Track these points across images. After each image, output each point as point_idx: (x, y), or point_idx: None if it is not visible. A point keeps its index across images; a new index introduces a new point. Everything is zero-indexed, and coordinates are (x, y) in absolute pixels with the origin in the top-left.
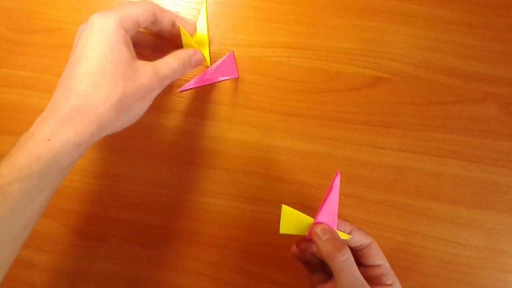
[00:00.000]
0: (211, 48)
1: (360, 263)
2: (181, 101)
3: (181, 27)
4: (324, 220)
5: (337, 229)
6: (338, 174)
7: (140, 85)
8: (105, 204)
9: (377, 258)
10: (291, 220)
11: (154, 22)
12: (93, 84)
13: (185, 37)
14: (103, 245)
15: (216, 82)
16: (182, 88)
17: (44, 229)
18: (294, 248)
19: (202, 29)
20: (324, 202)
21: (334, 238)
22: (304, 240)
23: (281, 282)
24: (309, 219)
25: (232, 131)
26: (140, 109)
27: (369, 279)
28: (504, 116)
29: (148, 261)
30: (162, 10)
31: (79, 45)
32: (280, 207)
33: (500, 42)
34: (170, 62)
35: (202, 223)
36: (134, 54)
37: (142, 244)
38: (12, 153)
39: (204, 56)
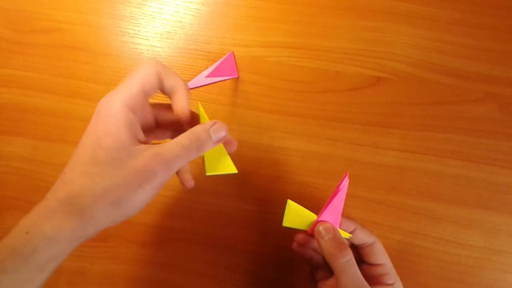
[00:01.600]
0: (211, 49)
1: (363, 261)
2: None
3: (199, 104)
4: (328, 219)
5: (340, 227)
6: (347, 176)
7: (135, 172)
8: None
9: (380, 257)
10: (295, 215)
11: (163, 84)
12: (81, 173)
13: (203, 118)
14: (103, 245)
15: (216, 82)
16: None
17: None
18: (295, 244)
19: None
20: (330, 201)
21: (336, 238)
22: (304, 233)
23: (281, 282)
24: (312, 216)
25: (232, 131)
26: (138, 200)
27: (371, 277)
28: (504, 116)
29: (148, 261)
30: (167, 71)
31: (85, 131)
32: (281, 207)
33: (500, 42)
34: (179, 140)
35: (202, 223)
36: (140, 137)
37: (142, 244)
38: None
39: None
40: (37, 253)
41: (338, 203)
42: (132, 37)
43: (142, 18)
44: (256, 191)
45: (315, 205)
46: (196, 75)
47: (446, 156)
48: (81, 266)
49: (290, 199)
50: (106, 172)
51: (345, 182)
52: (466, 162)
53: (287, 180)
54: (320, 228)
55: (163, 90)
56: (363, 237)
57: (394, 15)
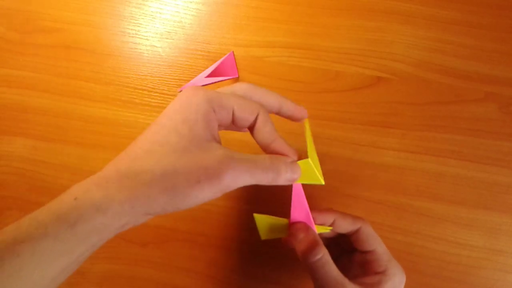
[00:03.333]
0: (211, 49)
1: (356, 249)
2: None
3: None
4: (298, 218)
5: (316, 223)
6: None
7: (199, 167)
8: None
9: (368, 243)
10: (268, 226)
11: (254, 124)
12: (147, 150)
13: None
14: (103, 245)
15: (216, 82)
16: (182, 88)
17: None
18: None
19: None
20: (292, 200)
21: (308, 237)
22: (286, 241)
23: (281, 282)
24: (284, 221)
25: (232, 131)
26: (191, 195)
27: (364, 264)
28: (504, 116)
29: (148, 261)
30: (267, 118)
31: (162, 113)
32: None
33: (500, 42)
34: (259, 159)
35: (202, 223)
36: (216, 136)
37: (142, 244)
38: (45, 206)
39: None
40: (82, 222)
41: (299, 200)
42: (132, 37)
43: (142, 18)
44: (256, 191)
45: (315, 206)
46: (196, 75)
47: (446, 156)
48: (81, 266)
49: (290, 199)
50: (172, 156)
51: None
52: (466, 162)
53: None
54: (293, 230)
55: (257, 135)
56: (345, 225)
57: (394, 15)
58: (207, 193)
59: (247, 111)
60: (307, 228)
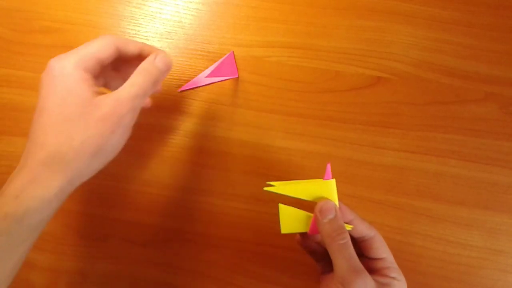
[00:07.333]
0: (211, 49)
1: (362, 255)
2: (181, 101)
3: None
4: None
5: None
6: (329, 165)
7: (104, 120)
8: (106, 204)
9: (380, 251)
10: (291, 219)
11: (120, 55)
12: (55, 133)
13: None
14: (103, 245)
15: (216, 82)
16: (182, 88)
17: (44, 229)
18: (298, 237)
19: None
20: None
21: (337, 220)
22: (306, 235)
23: (281, 282)
24: (308, 214)
25: (232, 131)
26: (114, 145)
27: (371, 271)
28: (504, 116)
29: (148, 261)
30: (125, 41)
31: (41, 95)
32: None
33: (500, 42)
34: (133, 80)
35: (202, 223)
36: (97, 90)
37: (142, 244)
38: None
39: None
40: (30, 215)
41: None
42: (132, 37)
43: (142, 18)
44: (256, 191)
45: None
46: (196, 75)
47: (446, 156)
48: (81, 266)
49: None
50: (79, 126)
51: (328, 170)
52: (466, 162)
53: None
54: (323, 207)
55: (127, 57)
56: (361, 229)
57: (394, 15)
58: (123, 135)
59: (106, 49)
60: (337, 210)
